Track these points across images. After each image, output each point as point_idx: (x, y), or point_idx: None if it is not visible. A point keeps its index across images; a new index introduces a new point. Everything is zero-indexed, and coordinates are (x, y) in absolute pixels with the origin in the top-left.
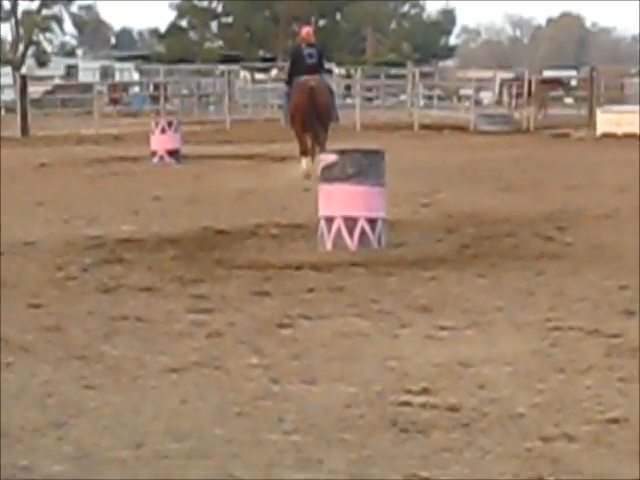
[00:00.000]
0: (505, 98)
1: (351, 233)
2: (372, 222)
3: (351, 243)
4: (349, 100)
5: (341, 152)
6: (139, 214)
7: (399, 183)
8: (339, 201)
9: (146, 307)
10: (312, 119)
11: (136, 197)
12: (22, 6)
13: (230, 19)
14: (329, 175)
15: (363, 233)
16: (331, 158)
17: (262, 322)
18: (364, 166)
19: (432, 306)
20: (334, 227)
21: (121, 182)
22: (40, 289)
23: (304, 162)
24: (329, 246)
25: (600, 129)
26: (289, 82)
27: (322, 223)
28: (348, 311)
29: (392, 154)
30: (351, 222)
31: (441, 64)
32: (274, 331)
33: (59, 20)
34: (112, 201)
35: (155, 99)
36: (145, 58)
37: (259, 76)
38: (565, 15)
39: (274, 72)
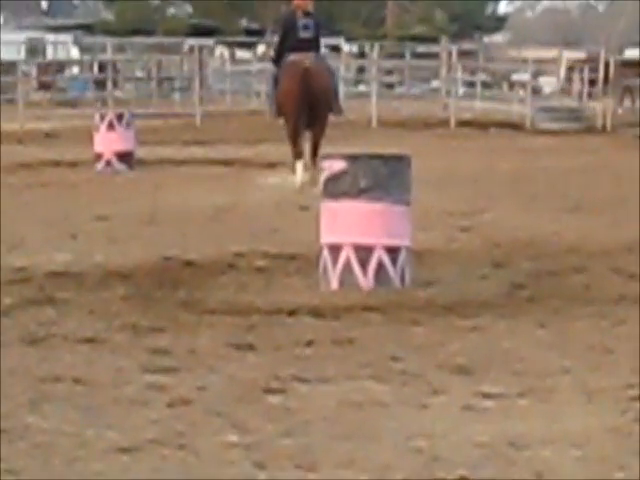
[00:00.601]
0: (573, 86)
1: (364, 267)
2: (393, 252)
3: (364, 280)
4: (363, 87)
5: (352, 157)
6: (78, 239)
7: (430, 200)
8: (349, 224)
9: (87, 364)
10: (306, 110)
11: (74, 216)
12: None
13: None
14: (335, 188)
15: (380, 267)
16: (338, 165)
17: (243, 386)
18: (383, 177)
19: (473, 366)
20: (341, 258)
21: (54, 195)
22: None
23: (299, 168)
24: (335, 284)
25: None
26: (277, 61)
27: (325, 253)
28: (360, 372)
29: (420, 160)
30: (365, 252)
31: (487, 39)
32: (259, 398)
33: None
34: (42, 221)
35: (100, 84)
36: (87, 28)
37: (241, 54)
38: None
39: (261, 49)
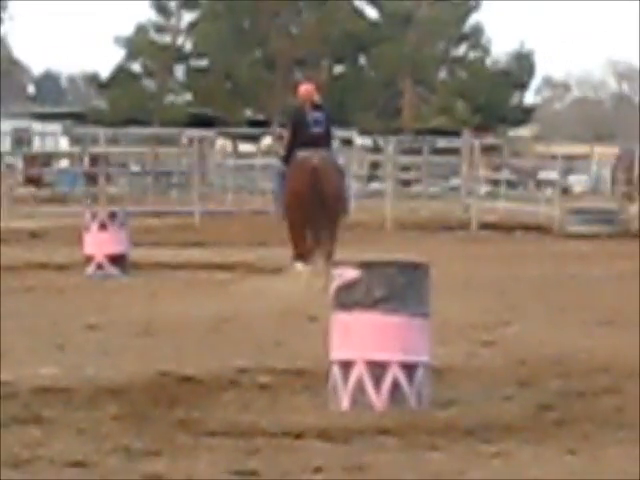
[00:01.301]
0: (606, 185)
1: (378, 385)
2: (409, 369)
3: (378, 400)
4: (377, 184)
5: (365, 265)
6: (66, 350)
7: (449, 311)
8: (361, 338)
9: None
10: (315, 212)
11: (62, 324)
12: None
13: (204, 62)
14: (347, 299)
15: (396, 385)
16: (351, 274)
17: None
18: (399, 286)
19: None
20: (353, 376)
21: (40, 302)
22: None
23: (299, 268)
24: (345, 404)
25: None
26: (287, 158)
27: (336, 369)
28: None
29: (439, 267)
30: (379, 369)
31: (512, 133)
32: None
33: None
34: (26, 330)
35: (92, 178)
36: (78, 117)
37: (245, 147)
38: None
39: (266, 141)
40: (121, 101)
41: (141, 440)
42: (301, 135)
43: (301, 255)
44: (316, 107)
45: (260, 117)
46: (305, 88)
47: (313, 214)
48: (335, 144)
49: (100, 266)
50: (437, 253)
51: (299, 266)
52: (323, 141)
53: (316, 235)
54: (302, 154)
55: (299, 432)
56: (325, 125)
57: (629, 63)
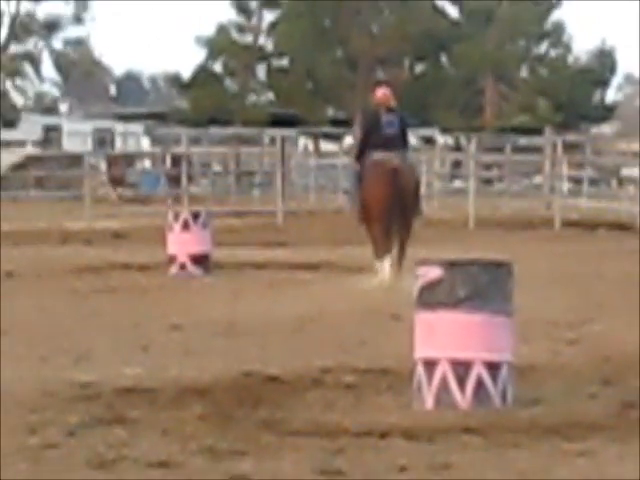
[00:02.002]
0: None
1: (462, 384)
2: (493, 368)
3: (462, 399)
4: (459, 183)
5: (449, 264)
6: (149, 351)
7: (533, 309)
8: (445, 337)
9: None
10: (395, 212)
11: (145, 325)
12: None
13: (285, 62)
14: (431, 298)
15: (480, 384)
16: (434, 273)
17: None
18: (483, 285)
19: None
20: (437, 375)
21: (123, 302)
22: (4, 461)
23: (387, 266)
24: (430, 403)
25: None
26: (359, 159)
27: (420, 368)
28: None
29: (522, 265)
30: (463, 368)
31: (595, 130)
32: None
33: (34, 60)
34: (110, 330)
35: (174, 179)
36: (160, 117)
37: (327, 146)
38: None
39: (348, 140)
40: (203, 101)
41: (226, 440)
42: (375, 137)
43: (388, 251)
44: (390, 110)
45: (342, 116)
46: (382, 92)
47: (394, 213)
48: (412, 144)
49: (183, 266)
50: (520, 251)
51: (387, 262)
52: (397, 143)
53: (396, 233)
54: (378, 155)
55: (383, 431)
56: (399, 127)
57: None
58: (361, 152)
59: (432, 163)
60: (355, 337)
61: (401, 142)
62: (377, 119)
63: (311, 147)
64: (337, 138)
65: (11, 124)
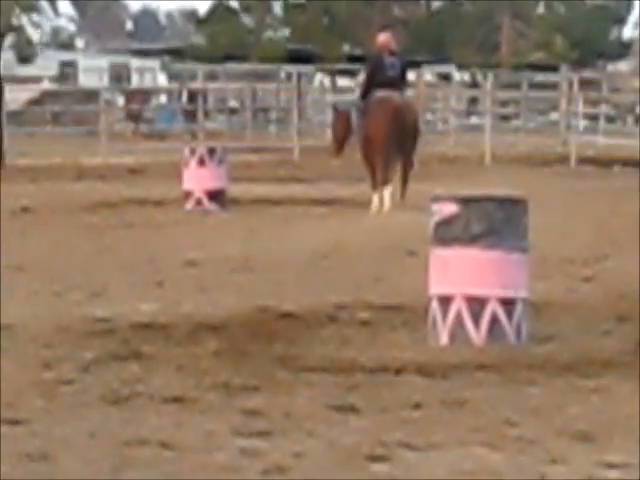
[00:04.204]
0: None
1: (477, 320)
2: (508, 304)
3: (477, 335)
4: (475, 119)
5: (464, 200)
6: (165, 286)
7: (548, 246)
8: (460, 273)
9: (175, 427)
10: (397, 145)
11: (161, 261)
12: None
13: None
14: (446, 234)
15: (495, 321)
16: (449, 209)
17: (344, 452)
18: (498, 221)
19: (595, 432)
20: (452, 311)
21: (139, 238)
22: (19, 397)
23: (386, 195)
24: (444, 339)
25: None
26: (363, 97)
27: (435, 305)
28: (472, 437)
29: (538, 202)
30: (477, 304)
31: (611, 67)
32: (362, 466)
33: None
34: (125, 266)
35: (190, 114)
36: (176, 53)
37: (343, 82)
38: None
39: (364, 76)
40: (219, 37)
41: (240, 376)
42: (379, 77)
43: (388, 180)
44: (392, 54)
45: (358, 52)
46: (384, 37)
47: (396, 146)
48: (428, 80)
49: (199, 202)
50: (536, 188)
51: (385, 191)
52: (398, 83)
53: (398, 165)
54: (381, 94)
55: (398, 367)
56: (400, 70)
57: None
58: (366, 92)
59: (448, 99)
60: (370, 273)
61: (401, 83)
62: (380, 61)
63: (327, 83)
64: (353, 74)
65: (27, 60)
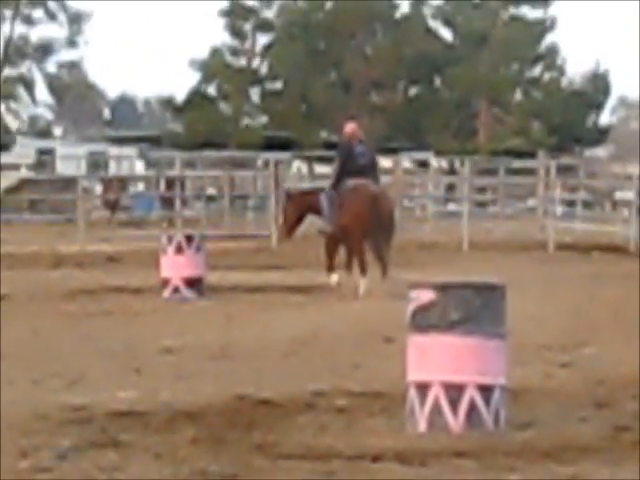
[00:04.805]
0: None
1: (455, 407)
2: (486, 391)
3: (455, 422)
4: (452, 206)
5: (441, 287)
6: (142, 374)
7: (526, 332)
8: (438, 360)
9: None
10: (376, 233)
11: (138, 348)
12: None
13: (279, 85)
14: (424, 321)
15: (473, 408)
16: (427, 296)
17: None
18: (475, 308)
19: None
20: (430, 398)
21: (117, 325)
22: None
23: (362, 283)
24: (423, 426)
25: None
26: (335, 186)
27: (412, 392)
28: None
29: (516, 288)
30: (455, 391)
31: (588, 153)
32: None
33: (28, 83)
34: (103, 354)
35: (168, 202)
36: (154, 141)
37: (321, 169)
38: None
39: None
40: (197, 124)
41: (218, 464)
42: (350, 166)
43: (364, 269)
44: (360, 142)
45: (335, 139)
46: (351, 127)
47: (373, 233)
48: (406, 167)
49: (177, 289)
50: (513, 274)
51: (361, 278)
52: (369, 171)
53: (377, 253)
54: (355, 182)
55: (376, 455)
56: (370, 157)
57: None
58: (337, 180)
59: (426, 186)
60: (348, 360)
61: (372, 170)
62: (351, 150)
63: (305, 170)
64: (331, 161)
65: (5, 147)
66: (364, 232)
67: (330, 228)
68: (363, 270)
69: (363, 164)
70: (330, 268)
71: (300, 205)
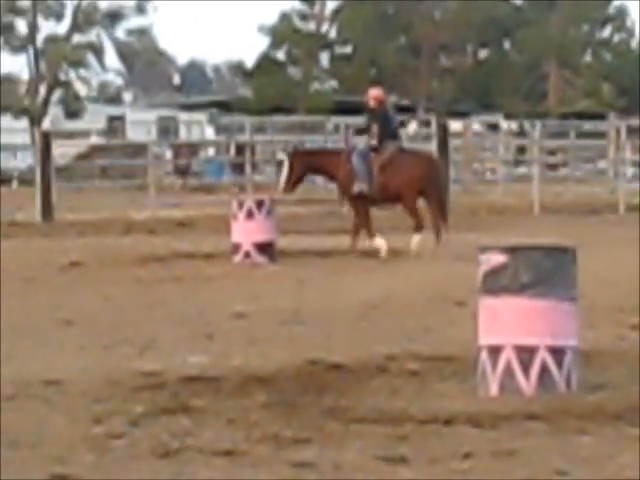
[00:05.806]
0: None
1: (527, 370)
2: (558, 354)
3: (527, 385)
4: (523, 169)
5: (512, 250)
6: (214, 339)
7: (597, 295)
8: (509, 323)
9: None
10: (431, 196)
11: (210, 314)
12: (44, 30)
13: (348, 49)
14: (495, 284)
15: (545, 370)
16: (498, 259)
17: None
18: (547, 271)
19: None
20: (502, 361)
21: (188, 291)
22: (69, 452)
23: (415, 240)
24: (494, 389)
25: None
26: (376, 148)
27: (484, 355)
28: None
29: (587, 251)
30: (527, 354)
31: None
32: None
33: (97, 50)
34: (175, 319)
35: (238, 167)
36: (224, 106)
37: None
38: None
39: (412, 127)
40: (266, 89)
41: (290, 428)
42: (387, 130)
43: (420, 227)
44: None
45: (405, 103)
46: (378, 92)
47: (429, 195)
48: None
49: (248, 254)
50: (584, 236)
51: (415, 236)
52: (399, 134)
53: (434, 214)
54: (395, 145)
55: (448, 418)
56: (397, 122)
57: None
58: (380, 142)
59: (496, 149)
60: (419, 324)
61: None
62: (386, 115)
63: None
64: (401, 124)
65: (75, 114)
66: (420, 193)
67: (367, 188)
68: (418, 227)
69: (396, 128)
70: (371, 233)
71: (304, 163)
